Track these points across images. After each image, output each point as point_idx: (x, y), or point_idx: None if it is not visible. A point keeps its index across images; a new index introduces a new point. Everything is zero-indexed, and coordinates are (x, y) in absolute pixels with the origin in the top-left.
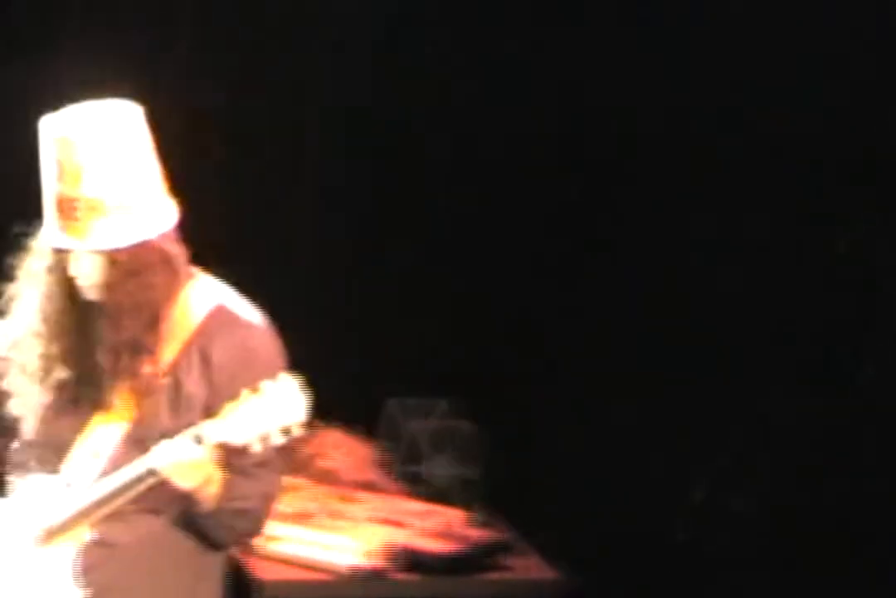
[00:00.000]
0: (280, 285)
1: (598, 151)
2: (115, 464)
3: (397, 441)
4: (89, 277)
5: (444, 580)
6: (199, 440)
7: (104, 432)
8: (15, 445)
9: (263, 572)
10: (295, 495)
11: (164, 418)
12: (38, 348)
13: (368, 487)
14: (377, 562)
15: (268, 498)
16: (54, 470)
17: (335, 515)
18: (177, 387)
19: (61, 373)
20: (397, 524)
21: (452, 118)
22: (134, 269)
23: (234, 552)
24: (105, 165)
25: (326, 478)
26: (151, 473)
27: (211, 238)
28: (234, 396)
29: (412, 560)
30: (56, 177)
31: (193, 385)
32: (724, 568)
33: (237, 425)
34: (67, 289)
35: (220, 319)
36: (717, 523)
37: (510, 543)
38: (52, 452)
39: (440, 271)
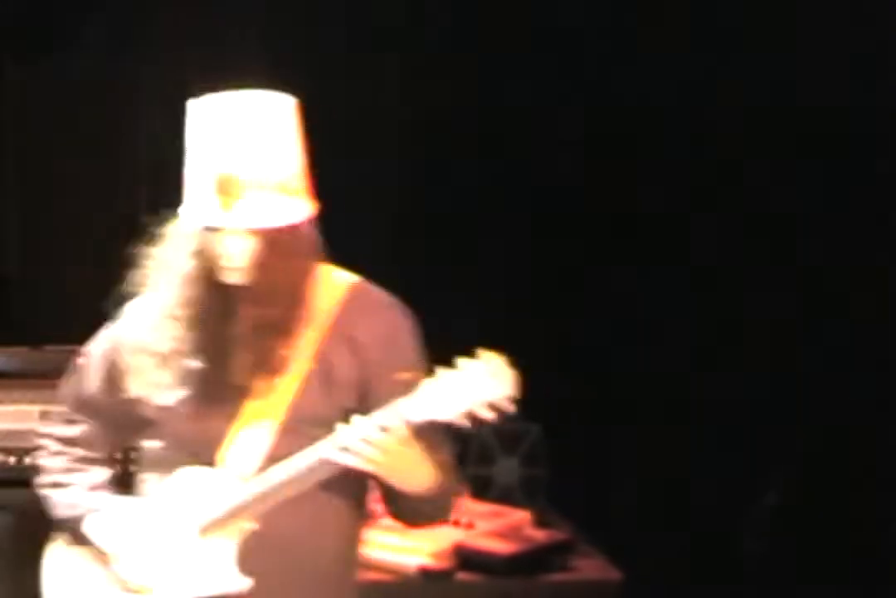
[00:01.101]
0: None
1: None
2: (274, 453)
3: (466, 443)
4: (240, 258)
5: (510, 580)
6: (386, 424)
7: (256, 420)
8: (151, 442)
9: None
10: None
11: (318, 403)
12: (178, 336)
13: None
14: (443, 563)
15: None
16: (208, 462)
17: None
18: (326, 370)
19: (202, 360)
20: (465, 525)
21: None
22: (284, 250)
23: None
24: (266, 145)
25: None
26: (327, 462)
27: None
28: (382, 375)
29: (478, 561)
30: (215, 157)
31: (343, 367)
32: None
33: (435, 403)
34: (210, 273)
35: (360, 300)
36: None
37: (574, 544)
38: (203, 444)
39: None
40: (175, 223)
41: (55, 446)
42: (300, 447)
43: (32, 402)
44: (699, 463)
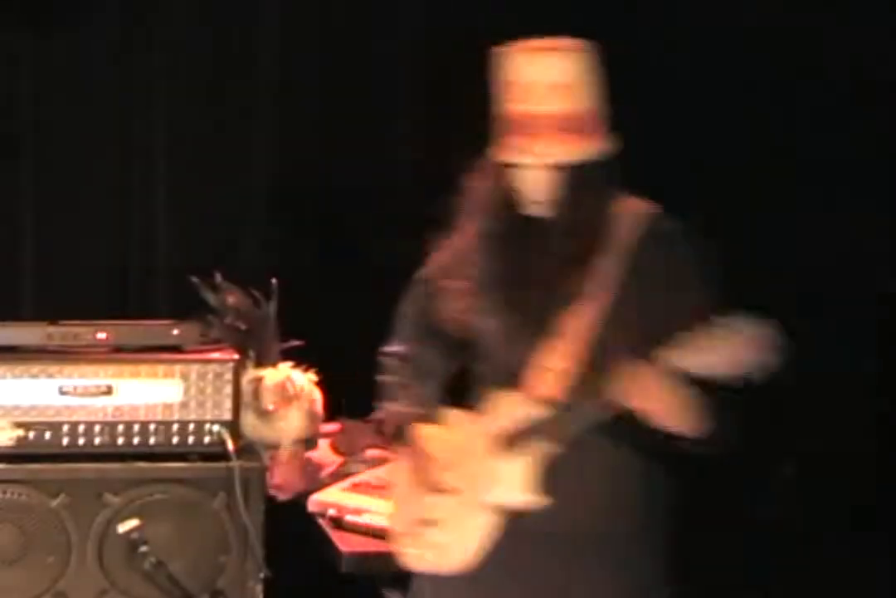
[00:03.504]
0: None
1: None
2: (573, 383)
3: None
4: (541, 191)
5: None
6: (674, 367)
7: (555, 351)
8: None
9: (346, 544)
10: (381, 468)
11: (612, 336)
12: (489, 267)
13: None
14: None
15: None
16: (517, 385)
17: None
18: (621, 303)
19: (508, 289)
20: None
21: None
22: (582, 184)
23: (323, 524)
24: (569, 84)
25: None
26: (616, 401)
27: None
28: (673, 306)
29: None
30: (519, 96)
31: (636, 300)
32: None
33: (705, 356)
34: (514, 206)
35: (655, 231)
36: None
37: None
38: (513, 368)
39: None
40: (483, 161)
41: (393, 363)
42: (597, 375)
43: (51, 377)
44: None
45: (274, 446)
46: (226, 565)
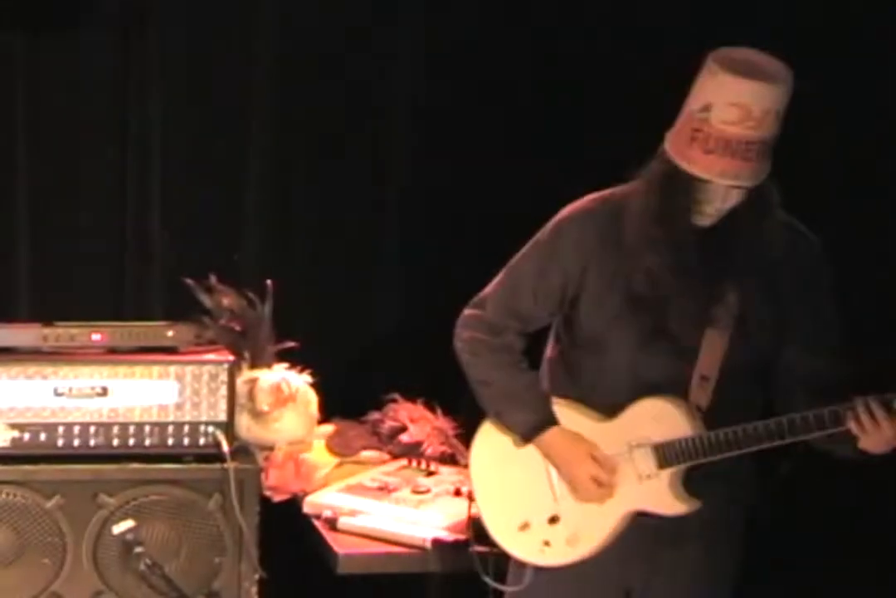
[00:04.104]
0: None
1: None
2: (722, 390)
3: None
4: (723, 206)
5: None
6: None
7: (709, 357)
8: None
9: (341, 545)
10: (376, 469)
11: (749, 342)
12: (643, 265)
13: (449, 460)
14: (459, 535)
15: None
16: (664, 393)
17: (417, 489)
18: (757, 304)
19: (651, 291)
20: None
21: None
22: (756, 201)
23: (318, 526)
24: (782, 113)
25: (408, 452)
26: (839, 426)
27: None
28: (802, 314)
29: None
30: (738, 119)
31: (770, 301)
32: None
33: None
34: (688, 215)
35: (790, 236)
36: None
37: None
38: (644, 376)
39: None
40: (657, 168)
41: (487, 354)
42: (734, 390)
43: (46, 378)
44: None
45: (269, 448)
46: (221, 566)
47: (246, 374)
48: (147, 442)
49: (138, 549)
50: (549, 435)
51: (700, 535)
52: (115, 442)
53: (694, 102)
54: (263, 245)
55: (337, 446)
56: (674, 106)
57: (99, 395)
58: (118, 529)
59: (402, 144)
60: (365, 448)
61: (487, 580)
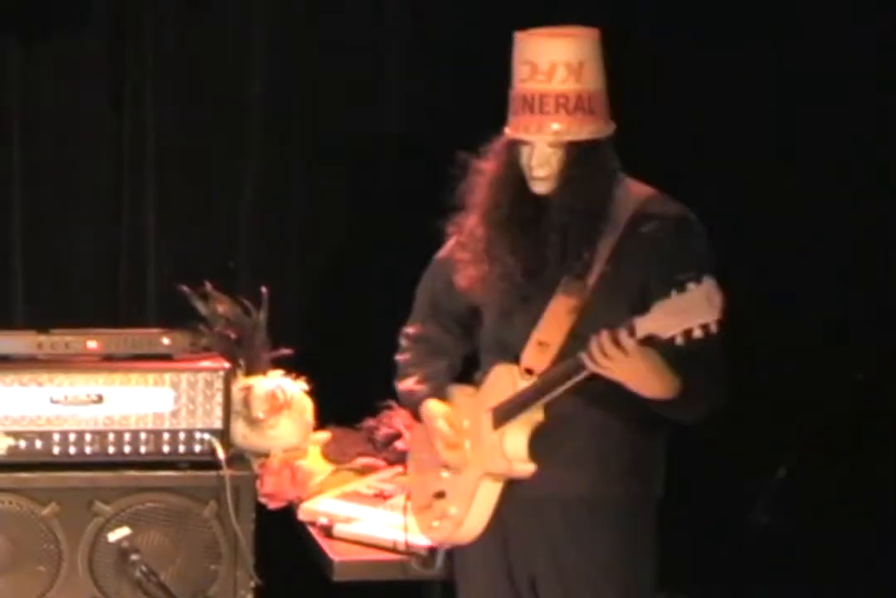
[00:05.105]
0: None
1: None
2: (562, 355)
3: None
4: (546, 168)
5: None
6: (630, 333)
7: (551, 324)
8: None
9: (337, 553)
10: (372, 476)
11: (604, 310)
12: (492, 239)
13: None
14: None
15: (712, 380)
16: (513, 358)
17: None
18: (614, 278)
19: (510, 263)
20: None
21: None
22: (585, 163)
23: (314, 533)
24: (582, 65)
25: (403, 459)
26: (582, 367)
27: None
28: (663, 283)
29: None
30: (533, 76)
31: (629, 275)
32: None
33: (665, 320)
34: (519, 183)
35: (650, 211)
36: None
37: None
38: (510, 340)
39: None
40: (496, 139)
41: (406, 343)
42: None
43: (41, 385)
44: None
45: (264, 455)
46: (216, 573)
47: (241, 381)
48: (142, 450)
49: (134, 556)
50: (423, 409)
51: (583, 511)
52: (111, 450)
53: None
54: (259, 252)
55: (332, 454)
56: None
57: (94, 402)
58: (114, 536)
59: (398, 149)
60: (360, 455)
61: (413, 565)
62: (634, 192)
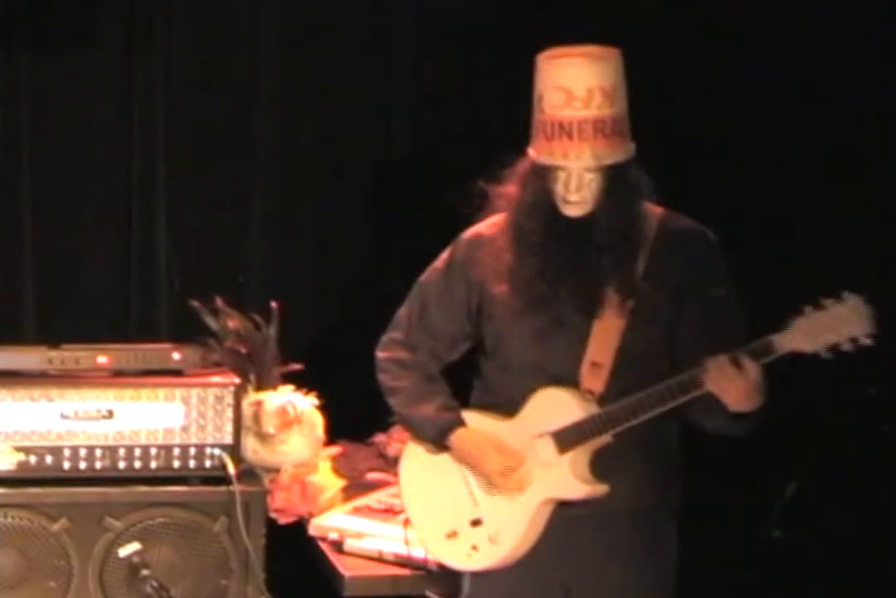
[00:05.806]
0: None
1: None
2: (615, 375)
3: None
4: (583, 191)
5: None
6: (764, 351)
7: (601, 344)
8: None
9: (348, 568)
10: (382, 491)
11: (644, 326)
12: (524, 264)
13: None
14: None
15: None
16: (549, 381)
17: None
18: (651, 294)
19: (545, 286)
20: None
21: None
22: (621, 183)
23: (325, 548)
24: (614, 89)
25: None
26: (696, 386)
27: None
28: (695, 297)
29: None
30: (564, 102)
31: (664, 290)
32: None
33: (806, 337)
34: (551, 208)
35: (673, 227)
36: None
37: None
38: (543, 367)
39: None
40: (520, 162)
41: (396, 368)
42: (630, 376)
43: (52, 401)
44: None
45: (275, 470)
46: (227, 588)
47: (252, 396)
48: (153, 465)
49: (145, 572)
50: (456, 436)
51: (622, 522)
52: (121, 465)
53: (534, 99)
54: (269, 268)
55: (343, 469)
56: None
57: (105, 418)
58: (124, 551)
59: (403, 165)
60: (371, 470)
61: (430, 594)
62: (650, 209)
